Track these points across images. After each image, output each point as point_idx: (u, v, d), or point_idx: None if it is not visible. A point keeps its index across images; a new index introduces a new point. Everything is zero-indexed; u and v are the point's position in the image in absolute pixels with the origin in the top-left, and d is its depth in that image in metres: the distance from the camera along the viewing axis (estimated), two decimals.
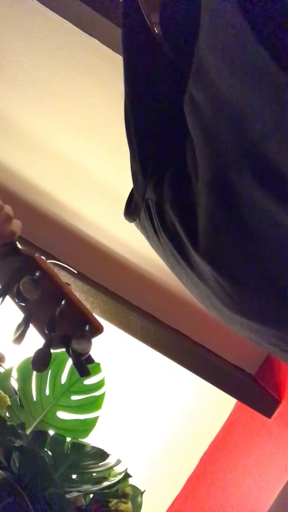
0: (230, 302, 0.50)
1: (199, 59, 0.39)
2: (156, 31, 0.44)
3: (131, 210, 0.58)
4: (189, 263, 0.52)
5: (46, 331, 0.58)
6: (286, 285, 0.44)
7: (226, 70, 0.36)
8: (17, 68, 1.41)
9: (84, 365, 0.58)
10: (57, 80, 1.42)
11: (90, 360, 0.59)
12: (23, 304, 0.59)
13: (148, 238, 0.60)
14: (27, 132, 1.45)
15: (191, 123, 0.43)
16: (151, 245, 0.60)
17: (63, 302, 0.60)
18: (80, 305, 0.61)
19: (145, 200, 0.54)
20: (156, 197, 0.52)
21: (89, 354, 0.58)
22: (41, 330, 0.62)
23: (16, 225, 0.63)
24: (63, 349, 0.61)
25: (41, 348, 0.59)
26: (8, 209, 0.64)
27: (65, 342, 0.60)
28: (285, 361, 0.57)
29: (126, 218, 0.60)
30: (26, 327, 0.60)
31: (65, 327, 0.59)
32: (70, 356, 0.59)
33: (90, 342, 0.58)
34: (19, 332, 0.59)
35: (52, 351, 0.60)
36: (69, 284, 0.63)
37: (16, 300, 0.58)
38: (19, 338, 0.58)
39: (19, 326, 0.60)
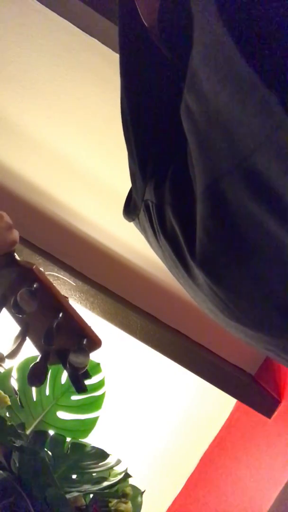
0: (224, 309, 0.50)
1: (193, 69, 0.39)
2: (154, 32, 0.44)
3: (130, 210, 0.57)
4: (186, 267, 0.51)
5: (43, 344, 0.57)
6: (278, 295, 0.45)
7: (217, 85, 0.36)
8: (17, 68, 1.41)
9: (81, 380, 0.57)
10: (57, 80, 1.42)
11: (86, 375, 0.58)
12: (20, 316, 0.58)
13: (147, 238, 0.60)
14: (27, 132, 1.45)
15: (186, 129, 0.43)
16: (150, 245, 0.60)
17: (60, 315, 0.58)
18: (78, 318, 0.60)
19: (145, 201, 0.54)
20: (156, 199, 0.52)
21: (86, 369, 0.57)
22: (37, 343, 0.60)
23: (16, 234, 0.63)
24: (60, 364, 0.60)
25: (37, 363, 0.58)
26: (8, 218, 0.63)
27: (62, 356, 0.58)
28: (282, 364, 0.57)
29: (125, 218, 0.60)
30: (23, 340, 0.59)
31: (62, 341, 0.58)
32: (66, 370, 0.58)
33: (87, 356, 0.57)
34: (15, 346, 0.57)
35: (48, 365, 0.58)
36: (67, 297, 0.62)
37: (13, 312, 0.57)
38: (14, 352, 0.57)
39: (15, 339, 0.59)
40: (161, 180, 0.51)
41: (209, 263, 0.47)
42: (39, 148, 1.46)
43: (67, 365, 0.57)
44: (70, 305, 0.61)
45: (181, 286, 0.58)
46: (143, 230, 0.58)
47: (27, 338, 0.60)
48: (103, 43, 1.33)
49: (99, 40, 1.33)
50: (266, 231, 0.40)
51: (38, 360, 0.58)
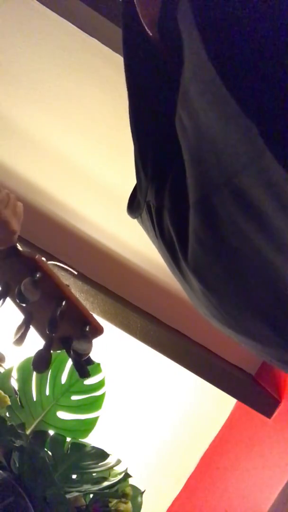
0: (217, 315, 0.51)
1: (184, 86, 0.40)
2: (155, 38, 0.44)
3: (134, 209, 0.58)
4: (181, 271, 0.52)
5: (47, 332, 0.58)
6: (266, 308, 0.46)
7: (205, 104, 0.38)
8: (18, 68, 1.41)
9: (84, 366, 0.59)
10: (57, 80, 1.42)
11: (90, 361, 0.59)
12: (24, 305, 0.59)
13: (149, 236, 0.60)
14: (27, 132, 1.45)
15: (180, 140, 0.44)
16: (153, 243, 0.61)
17: (63, 303, 0.60)
18: (81, 306, 0.61)
19: (147, 202, 0.54)
20: (156, 202, 0.53)
21: (89, 356, 0.58)
22: (41, 332, 0.62)
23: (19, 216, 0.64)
24: (63, 350, 0.61)
25: (41, 350, 0.59)
26: (20, 206, 0.64)
27: (65, 343, 0.60)
28: (278, 368, 0.58)
29: (128, 214, 0.60)
30: (27, 328, 0.60)
31: (66, 328, 0.59)
32: (70, 357, 0.59)
33: (90, 343, 0.58)
34: (19, 334, 0.59)
35: (52, 352, 0.60)
36: (68, 286, 0.63)
37: (17, 301, 0.58)
38: (20, 339, 0.58)
39: (19, 327, 0.60)
40: (162, 184, 0.52)
41: (201, 270, 0.48)
42: (38, 147, 1.46)
43: (71, 352, 0.58)
44: (72, 293, 0.62)
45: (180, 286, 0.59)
46: (146, 229, 0.59)
47: (31, 326, 0.61)
48: (103, 43, 1.33)
49: (99, 40, 1.33)
50: (254, 247, 0.41)
51: (42, 347, 0.59)
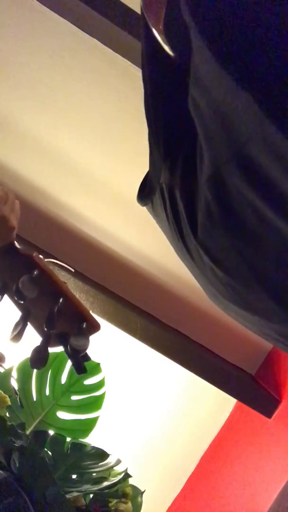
0: (224, 293, 0.52)
1: (195, 67, 0.42)
2: (162, 39, 0.46)
3: (145, 194, 0.59)
4: (189, 251, 0.54)
5: (45, 329, 0.58)
6: (273, 280, 0.47)
7: (215, 80, 0.39)
8: (18, 69, 1.41)
9: (82, 363, 0.59)
10: (57, 80, 1.42)
11: (87, 358, 0.59)
12: (22, 301, 0.59)
13: (159, 222, 0.62)
14: (27, 132, 1.45)
15: (195, 120, 0.46)
16: (162, 230, 0.62)
17: (61, 300, 0.60)
18: (78, 303, 0.62)
19: (160, 184, 0.56)
20: (169, 181, 0.54)
21: (86, 352, 0.59)
22: (38, 328, 0.62)
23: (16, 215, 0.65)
24: (60, 347, 0.61)
25: (38, 346, 0.60)
26: (17, 203, 0.65)
27: (62, 339, 0.60)
28: (281, 349, 0.59)
29: (139, 202, 0.62)
30: (24, 325, 0.60)
31: (63, 325, 0.60)
32: (67, 353, 0.60)
33: (87, 339, 0.59)
34: (17, 330, 0.59)
35: (49, 349, 0.60)
36: (65, 283, 0.64)
37: (15, 298, 0.59)
38: (18, 336, 0.59)
39: (17, 324, 0.60)
40: (175, 164, 0.53)
41: (210, 244, 0.49)
42: (39, 147, 1.46)
43: (68, 349, 0.59)
44: (69, 290, 0.63)
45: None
46: (156, 215, 0.61)
47: (28, 323, 0.61)
48: (103, 43, 1.33)
49: (99, 40, 1.33)
50: (263, 218, 0.42)
51: (39, 343, 0.60)
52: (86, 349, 0.59)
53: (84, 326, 0.60)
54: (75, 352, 0.59)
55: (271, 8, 0.37)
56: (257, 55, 0.37)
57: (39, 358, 0.59)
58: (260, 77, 0.37)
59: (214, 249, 0.49)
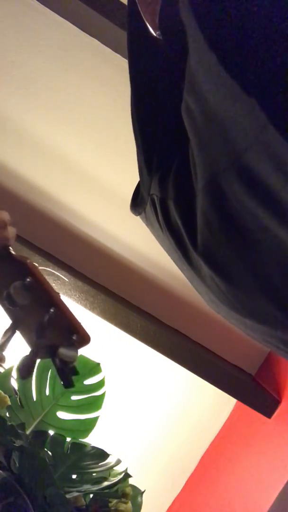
0: (225, 300, 0.52)
1: (191, 71, 0.41)
2: (157, 35, 0.45)
3: (137, 204, 0.59)
4: (189, 259, 0.53)
5: (34, 338, 0.57)
6: (275, 288, 0.46)
7: (212, 86, 0.39)
8: (17, 69, 1.41)
9: (69, 376, 0.58)
10: (57, 80, 1.42)
11: (74, 371, 0.58)
12: (12, 308, 0.58)
13: (153, 232, 0.61)
14: (27, 132, 1.45)
15: (188, 127, 0.45)
16: (157, 239, 0.61)
17: (52, 310, 0.59)
18: (69, 314, 0.60)
19: (151, 195, 0.55)
20: (160, 193, 0.53)
21: (74, 365, 0.58)
22: (28, 337, 0.61)
23: (11, 232, 0.63)
24: (48, 358, 0.60)
25: (27, 356, 0.58)
26: (5, 215, 0.64)
27: (51, 350, 0.59)
28: (282, 356, 0.59)
29: (132, 211, 0.61)
30: (13, 333, 0.59)
31: (53, 335, 0.59)
32: (55, 365, 0.58)
33: (76, 352, 0.57)
34: (4, 339, 0.58)
35: (37, 359, 0.59)
36: (59, 293, 0.63)
37: (6, 304, 0.58)
38: (3, 345, 0.58)
39: (6, 332, 0.59)
40: (165, 175, 0.53)
41: (210, 253, 0.49)
42: (39, 147, 1.46)
43: (56, 360, 0.58)
44: (61, 301, 0.61)
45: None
46: (150, 224, 0.60)
47: (17, 332, 0.60)
48: (103, 43, 1.34)
49: (99, 40, 1.33)
50: (261, 225, 0.42)
51: (28, 353, 0.59)
52: (74, 361, 0.57)
53: (74, 338, 0.58)
54: (62, 364, 0.57)
55: (276, 10, 0.36)
56: (260, 59, 0.36)
57: (26, 368, 0.58)
58: (264, 82, 0.36)
59: (214, 258, 0.49)
